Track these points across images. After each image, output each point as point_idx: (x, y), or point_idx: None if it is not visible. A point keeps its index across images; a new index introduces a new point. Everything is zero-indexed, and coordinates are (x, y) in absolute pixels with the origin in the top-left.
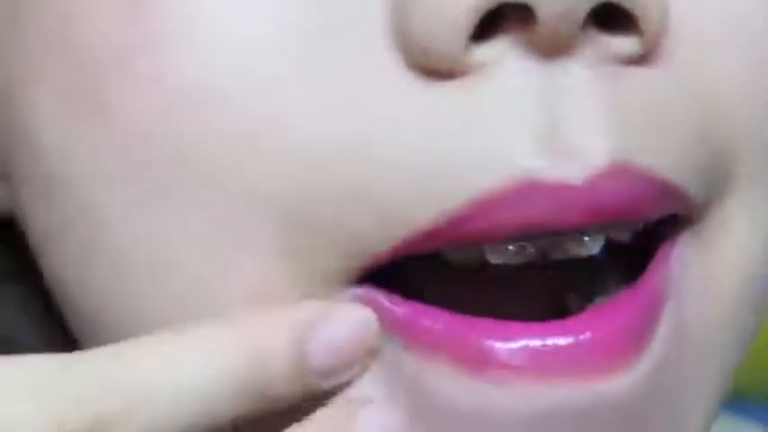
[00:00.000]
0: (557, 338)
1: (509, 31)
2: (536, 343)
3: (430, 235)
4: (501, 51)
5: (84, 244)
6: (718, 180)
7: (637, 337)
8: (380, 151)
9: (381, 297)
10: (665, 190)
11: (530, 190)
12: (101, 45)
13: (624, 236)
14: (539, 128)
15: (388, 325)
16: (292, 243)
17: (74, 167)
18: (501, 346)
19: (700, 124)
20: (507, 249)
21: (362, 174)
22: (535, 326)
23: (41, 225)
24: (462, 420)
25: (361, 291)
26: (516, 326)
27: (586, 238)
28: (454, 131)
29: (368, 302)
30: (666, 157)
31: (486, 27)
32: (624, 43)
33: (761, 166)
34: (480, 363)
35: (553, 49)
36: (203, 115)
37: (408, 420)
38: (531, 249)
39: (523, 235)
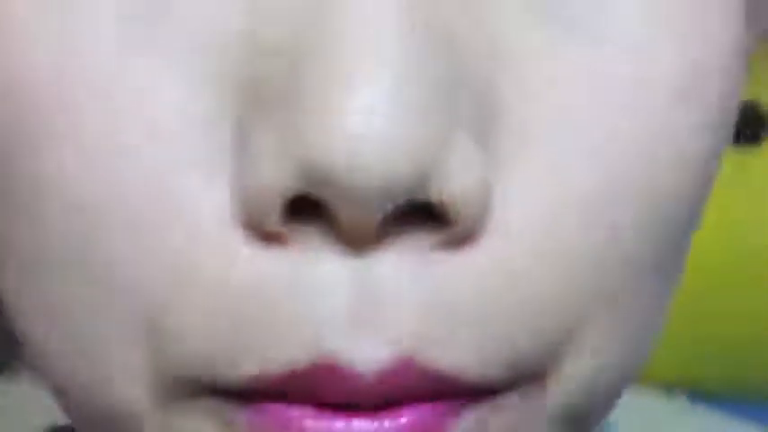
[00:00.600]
0: (354, 422)
1: (324, 215)
2: (340, 425)
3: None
4: (315, 233)
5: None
6: (542, 363)
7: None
8: (204, 301)
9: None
10: (461, 386)
11: (325, 372)
12: None
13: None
14: (342, 313)
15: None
16: (144, 343)
17: None
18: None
19: (519, 311)
20: None
21: (189, 313)
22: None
23: None
24: None
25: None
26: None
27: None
28: (267, 297)
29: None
30: (468, 353)
31: (306, 203)
32: (433, 236)
33: (600, 344)
34: None
35: (355, 242)
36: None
37: None
38: None
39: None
